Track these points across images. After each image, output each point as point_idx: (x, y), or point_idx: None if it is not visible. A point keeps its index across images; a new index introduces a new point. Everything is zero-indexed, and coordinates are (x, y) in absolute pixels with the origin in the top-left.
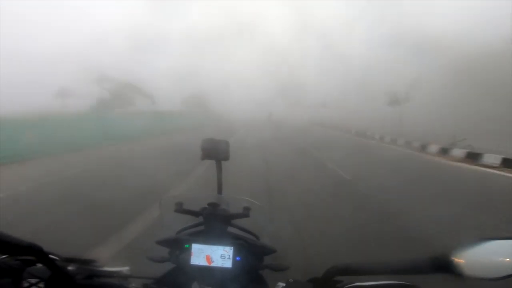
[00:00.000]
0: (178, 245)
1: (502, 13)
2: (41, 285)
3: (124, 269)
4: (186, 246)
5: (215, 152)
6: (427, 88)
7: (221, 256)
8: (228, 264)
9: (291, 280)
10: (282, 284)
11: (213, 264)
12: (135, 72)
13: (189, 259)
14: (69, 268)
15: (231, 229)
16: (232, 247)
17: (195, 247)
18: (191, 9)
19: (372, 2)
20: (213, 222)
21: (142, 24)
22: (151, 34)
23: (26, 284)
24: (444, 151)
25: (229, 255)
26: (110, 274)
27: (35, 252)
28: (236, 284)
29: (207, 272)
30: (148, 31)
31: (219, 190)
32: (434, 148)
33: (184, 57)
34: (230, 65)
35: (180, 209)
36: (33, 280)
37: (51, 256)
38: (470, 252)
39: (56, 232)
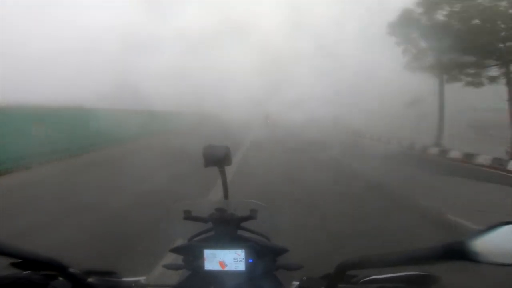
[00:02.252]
0: (191, 252)
1: None
2: None
3: (142, 278)
4: (198, 252)
5: (217, 158)
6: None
7: (234, 260)
8: (241, 267)
9: (304, 278)
10: (296, 282)
11: (226, 268)
12: (129, 72)
13: (203, 265)
14: (89, 280)
15: (241, 232)
16: (243, 250)
17: (208, 252)
18: (185, 9)
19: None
20: (222, 227)
21: (136, 24)
22: (144, 34)
23: None
24: None
25: (241, 258)
26: (129, 284)
27: (55, 267)
28: (251, 286)
29: (221, 276)
30: (141, 31)
31: (225, 195)
32: None
33: (179, 57)
34: (225, 64)
35: (189, 216)
36: None
37: (71, 269)
38: (486, 237)
39: None
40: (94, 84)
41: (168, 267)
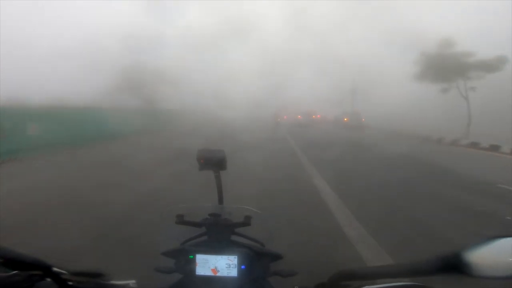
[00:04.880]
0: (183, 256)
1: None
2: None
3: (131, 282)
4: (190, 257)
5: (213, 162)
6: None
7: (226, 266)
8: (233, 273)
9: (297, 287)
10: None
11: (218, 274)
12: (132, 71)
13: (194, 270)
14: (76, 282)
15: (234, 238)
16: (236, 256)
17: (200, 257)
18: (189, 10)
19: (367, 2)
20: (216, 232)
21: (139, 23)
22: (149, 35)
23: None
24: None
25: (234, 264)
26: None
27: (41, 267)
28: None
29: (213, 282)
30: (145, 32)
31: (220, 200)
32: None
33: (181, 57)
34: (230, 65)
35: (182, 221)
36: None
37: (58, 270)
38: (480, 250)
39: None
40: (99, 83)
41: (159, 270)
